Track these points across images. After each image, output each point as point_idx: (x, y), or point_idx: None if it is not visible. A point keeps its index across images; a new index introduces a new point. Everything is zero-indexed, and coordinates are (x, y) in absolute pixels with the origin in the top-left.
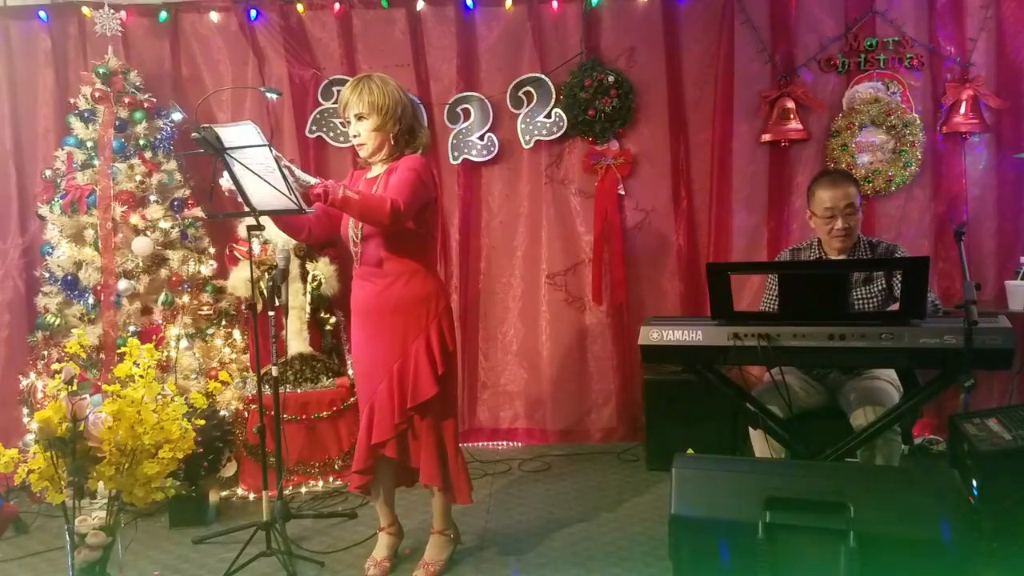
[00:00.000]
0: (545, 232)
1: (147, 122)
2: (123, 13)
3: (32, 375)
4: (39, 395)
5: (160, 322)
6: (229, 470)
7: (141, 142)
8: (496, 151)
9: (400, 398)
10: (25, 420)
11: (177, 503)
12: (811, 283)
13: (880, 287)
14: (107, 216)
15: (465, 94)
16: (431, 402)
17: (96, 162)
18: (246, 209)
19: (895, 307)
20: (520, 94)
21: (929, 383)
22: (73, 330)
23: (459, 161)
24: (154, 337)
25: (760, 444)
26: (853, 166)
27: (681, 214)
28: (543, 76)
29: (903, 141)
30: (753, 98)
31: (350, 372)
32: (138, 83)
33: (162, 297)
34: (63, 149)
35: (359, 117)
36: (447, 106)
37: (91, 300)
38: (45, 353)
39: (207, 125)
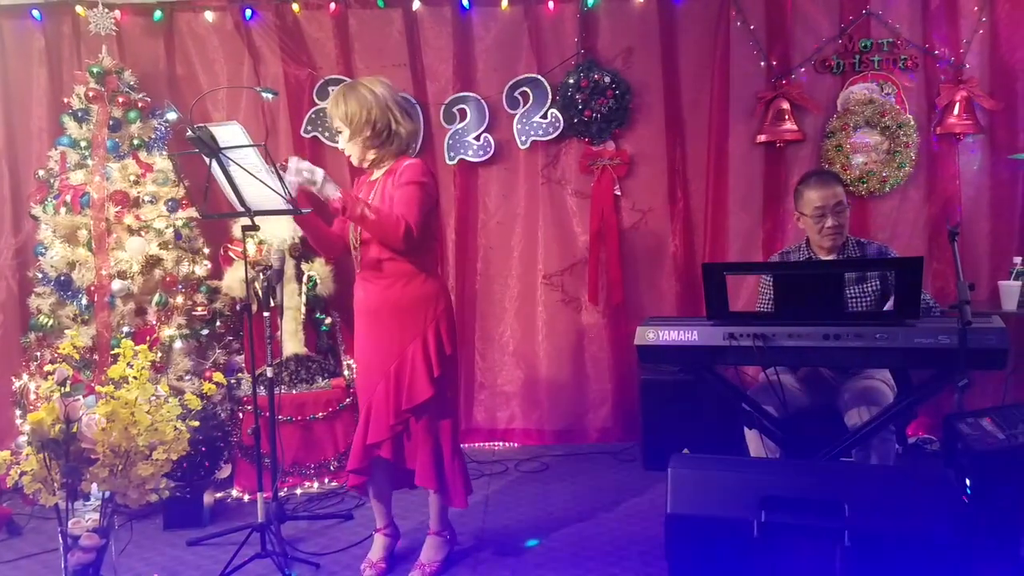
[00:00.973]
0: (542, 232)
1: (141, 122)
2: (117, 12)
3: (25, 376)
4: (32, 396)
5: (154, 323)
6: (224, 471)
7: (135, 142)
8: (492, 151)
9: (396, 399)
10: (18, 422)
11: (172, 505)
12: (806, 283)
13: (873, 287)
14: (101, 216)
15: (461, 94)
16: (427, 404)
17: (90, 162)
18: (240, 209)
19: (890, 306)
20: (516, 94)
21: (924, 383)
22: (66, 331)
23: (455, 161)
24: (148, 338)
25: (755, 444)
26: (848, 167)
27: (677, 215)
28: (539, 76)
29: (897, 142)
30: (749, 99)
31: (346, 373)
32: (132, 82)
33: (156, 298)
34: (57, 149)
35: (338, 130)
36: (443, 106)
37: (85, 301)
38: (38, 354)
39: (201, 125)
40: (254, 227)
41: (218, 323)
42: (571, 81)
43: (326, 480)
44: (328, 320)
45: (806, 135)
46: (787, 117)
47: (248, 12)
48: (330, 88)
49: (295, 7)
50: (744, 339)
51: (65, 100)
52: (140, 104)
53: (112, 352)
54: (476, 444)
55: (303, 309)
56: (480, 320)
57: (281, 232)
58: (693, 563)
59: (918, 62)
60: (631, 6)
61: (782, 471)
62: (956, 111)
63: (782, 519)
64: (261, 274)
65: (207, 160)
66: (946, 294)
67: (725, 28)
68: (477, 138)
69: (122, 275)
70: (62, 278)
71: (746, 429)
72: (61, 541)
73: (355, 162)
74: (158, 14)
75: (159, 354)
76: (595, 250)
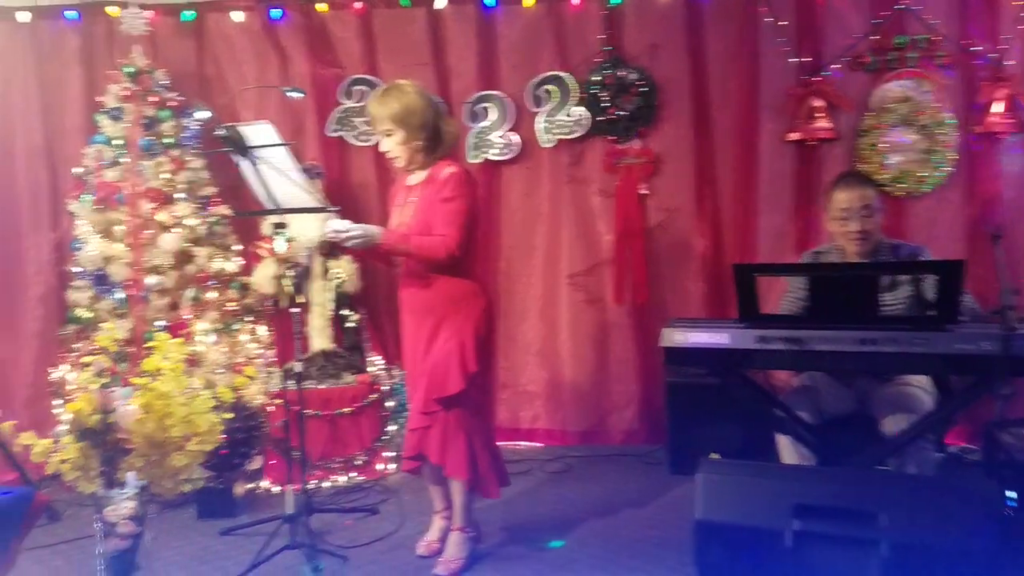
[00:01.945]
0: (565, 232)
1: (173, 120)
2: (149, 13)
3: (64, 367)
4: (70, 387)
5: (187, 317)
6: (255, 463)
7: (167, 140)
8: (516, 150)
9: (427, 392)
10: (57, 411)
11: (205, 495)
12: (841, 285)
13: (907, 293)
14: (135, 212)
15: (485, 93)
16: (458, 397)
17: (124, 160)
18: (270, 207)
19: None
20: (540, 92)
21: (964, 391)
22: (103, 324)
23: (479, 160)
24: (181, 332)
25: (788, 450)
26: (882, 166)
27: (705, 214)
28: (564, 74)
29: (935, 141)
30: (778, 96)
31: (371, 369)
32: (164, 82)
33: (189, 293)
34: (92, 147)
35: (387, 132)
36: (467, 105)
37: (120, 295)
38: (76, 346)
39: (231, 124)
40: (283, 224)
41: (249, 318)
42: (596, 78)
43: (352, 474)
44: (354, 317)
45: (839, 133)
46: (819, 115)
47: (276, 12)
48: (355, 87)
49: (321, 7)
50: (776, 342)
51: (99, 99)
52: (172, 103)
53: (147, 345)
54: (499, 443)
55: (330, 305)
56: (503, 319)
57: (309, 230)
58: (722, 571)
59: (956, 59)
60: (657, 2)
61: (816, 479)
62: (997, 109)
63: (816, 528)
64: (290, 271)
65: (236, 159)
66: (986, 300)
67: (754, 25)
68: (501, 137)
69: (156, 270)
70: (99, 273)
71: (778, 435)
72: (98, 528)
73: (401, 164)
74: (188, 14)
75: (192, 348)
76: (620, 250)
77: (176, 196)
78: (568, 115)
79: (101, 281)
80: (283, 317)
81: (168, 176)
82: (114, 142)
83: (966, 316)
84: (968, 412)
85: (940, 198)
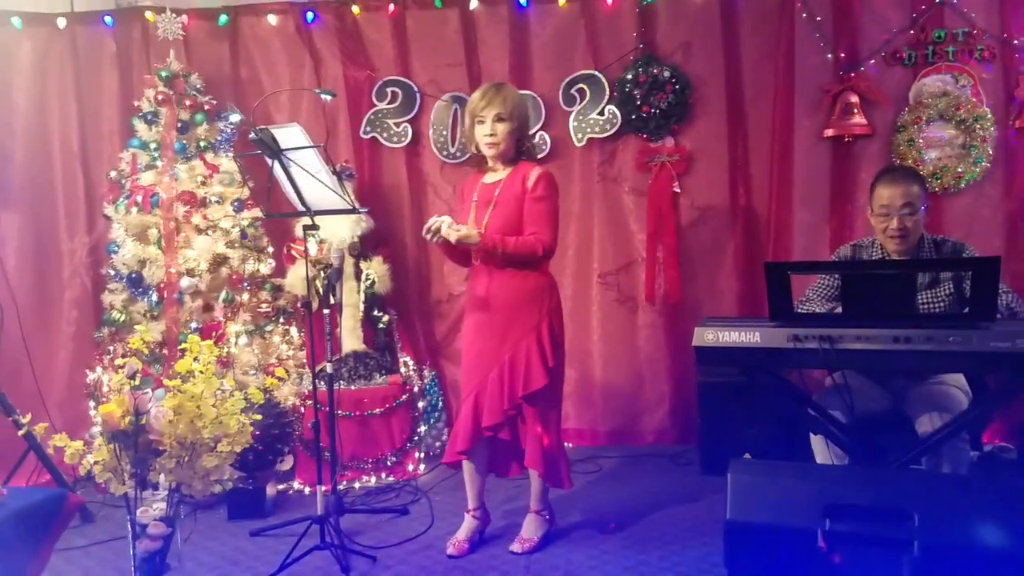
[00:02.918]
0: (597, 231)
1: (208, 124)
2: (184, 17)
3: (98, 369)
4: (105, 389)
5: (221, 319)
6: (286, 464)
7: (202, 143)
8: (548, 149)
9: (511, 387)
10: (91, 413)
11: (235, 496)
12: (876, 283)
13: (947, 291)
14: (170, 216)
15: None
16: (540, 392)
17: (159, 163)
18: (301, 209)
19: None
20: (573, 91)
21: (1000, 388)
22: (137, 326)
23: None
24: (214, 333)
25: (821, 450)
26: (920, 162)
27: (739, 212)
28: (596, 72)
29: (973, 136)
30: (814, 92)
31: (401, 370)
32: (199, 85)
33: (223, 295)
34: (127, 150)
35: (500, 118)
36: None
37: (155, 297)
38: (111, 348)
39: (263, 127)
40: (315, 226)
41: (281, 320)
42: (629, 76)
43: (383, 475)
44: (385, 318)
45: (875, 129)
46: (856, 111)
47: (309, 15)
48: (388, 89)
49: (354, 9)
50: (809, 341)
51: (135, 103)
52: (206, 107)
53: (180, 347)
54: None
55: (361, 307)
56: None
57: (341, 231)
58: (753, 572)
59: (995, 52)
60: None
61: (848, 478)
62: None
63: (848, 528)
64: (322, 272)
65: (269, 161)
66: None
67: (789, 20)
68: (533, 135)
69: (190, 273)
70: (133, 275)
71: (812, 435)
72: (130, 529)
73: (496, 152)
74: (223, 18)
75: (225, 349)
76: (652, 248)
77: (210, 199)
78: (600, 114)
79: (135, 284)
80: (315, 318)
81: (202, 179)
82: (149, 145)
83: (1004, 313)
84: (1004, 410)
85: (978, 194)
